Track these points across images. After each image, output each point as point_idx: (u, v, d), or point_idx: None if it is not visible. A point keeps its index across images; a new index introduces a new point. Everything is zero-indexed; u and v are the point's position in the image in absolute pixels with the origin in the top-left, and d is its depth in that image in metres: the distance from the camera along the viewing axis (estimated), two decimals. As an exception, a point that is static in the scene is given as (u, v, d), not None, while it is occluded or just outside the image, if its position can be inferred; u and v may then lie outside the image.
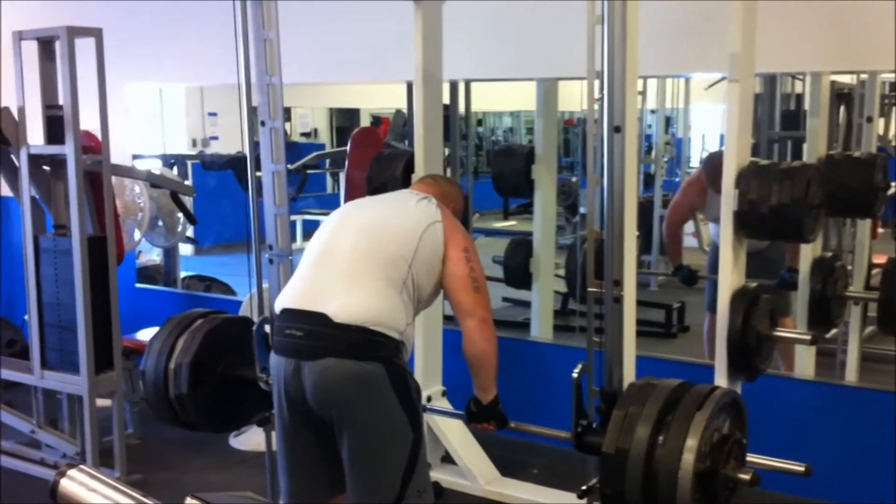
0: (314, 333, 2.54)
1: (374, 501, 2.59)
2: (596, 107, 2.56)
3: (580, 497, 2.58)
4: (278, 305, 2.68)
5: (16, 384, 4.41)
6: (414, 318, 2.67)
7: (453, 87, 4.93)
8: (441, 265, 2.69)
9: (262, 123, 3.07)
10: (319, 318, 2.53)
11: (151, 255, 6.38)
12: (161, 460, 4.36)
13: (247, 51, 3.02)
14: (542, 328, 5.01)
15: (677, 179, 7.34)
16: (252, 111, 3.11)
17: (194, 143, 7.31)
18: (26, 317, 4.22)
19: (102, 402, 4.07)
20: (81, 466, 1.20)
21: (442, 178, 3.29)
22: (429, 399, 3.72)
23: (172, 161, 6.51)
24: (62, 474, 1.20)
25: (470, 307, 2.66)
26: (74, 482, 1.19)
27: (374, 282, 2.58)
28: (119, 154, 4.63)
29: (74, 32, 3.84)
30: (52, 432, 4.26)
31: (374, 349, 2.52)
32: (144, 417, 4.51)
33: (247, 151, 3.18)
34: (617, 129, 2.51)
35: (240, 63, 3.03)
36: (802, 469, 2.66)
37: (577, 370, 2.57)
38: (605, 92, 2.51)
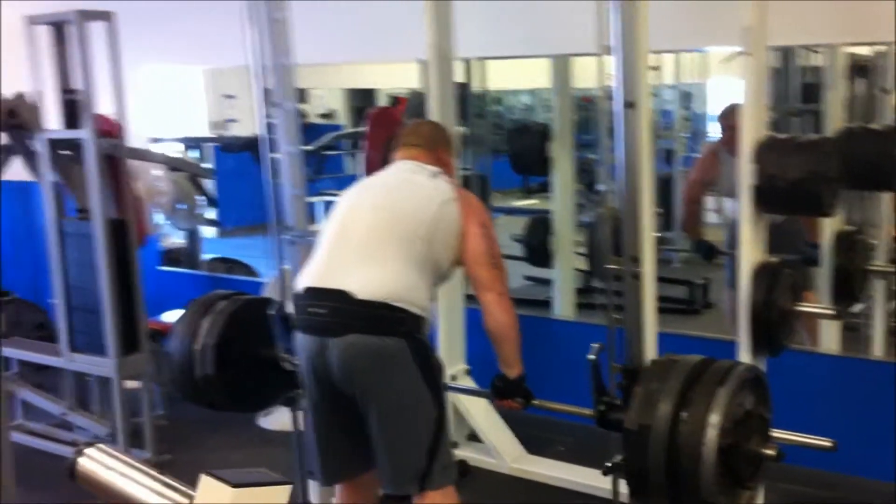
0: (337, 310, 2.56)
1: (401, 476, 2.62)
2: (610, 83, 2.54)
3: (605, 474, 2.58)
4: (299, 285, 2.71)
5: (45, 367, 4.46)
6: (433, 292, 2.69)
7: (468, 65, 4.90)
8: (458, 241, 2.70)
9: (276, 105, 3.07)
10: (341, 296, 2.55)
11: (175, 239, 6.41)
12: (190, 441, 4.40)
13: (258, 32, 3.01)
14: (563, 306, 4.99)
15: (696, 155, 7.26)
16: (266, 93, 3.11)
17: (214, 126, 7.31)
18: (52, 300, 4.25)
19: (132, 384, 4.10)
20: (99, 445, 1.21)
21: (423, 127, 3.10)
22: (453, 378, 3.73)
23: (191, 144, 6.52)
24: (80, 453, 1.21)
25: (488, 282, 2.68)
26: (92, 461, 1.21)
27: (393, 258, 2.60)
28: (135, 137, 4.65)
29: (86, 16, 3.86)
30: (82, 414, 4.32)
31: (397, 325, 2.55)
32: (173, 399, 4.54)
33: (262, 133, 3.18)
34: (630, 105, 2.49)
35: (253, 45, 3.03)
36: (829, 444, 2.64)
37: (592, 352, 2.55)
38: (617, 68, 2.48)
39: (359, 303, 2.54)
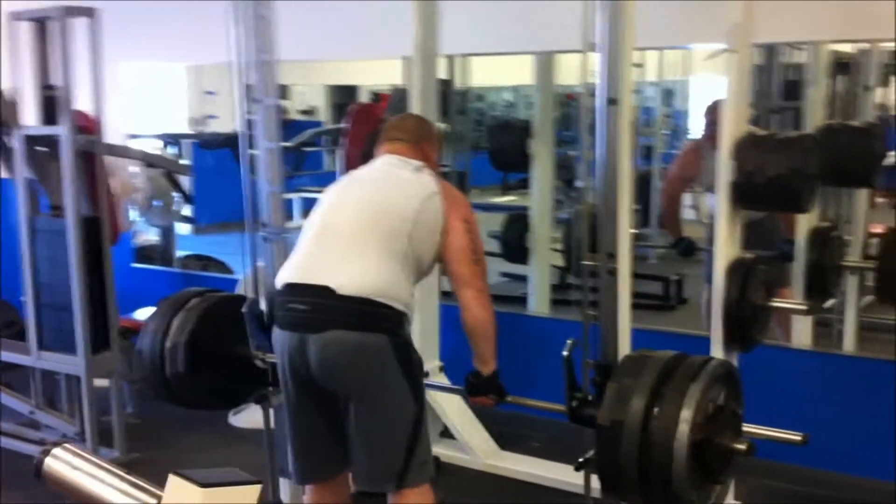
0: (318, 306, 2.54)
1: (378, 474, 2.61)
2: (593, 80, 2.54)
3: (577, 469, 2.58)
4: (280, 281, 2.69)
5: (14, 365, 4.41)
6: (414, 288, 2.68)
7: (451, 62, 4.90)
8: (440, 236, 2.68)
9: (257, 101, 3.06)
10: (323, 291, 2.53)
11: (149, 235, 6.38)
12: (160, 439, 4.37)
13: (242, 28, 3.00)
14: (539, 302, 5.01)
15: (676, 152, 7.28)
16: (247, 89, 3.09)
17: (194, 122, 7.27)
18: (23, 298, 4.21)
19: (101, 382, 4.07)
20: (66, 445, 1.20)
21: (408, 122, 3.05)
22: (426, 375, 3.72)
23: (170, 140, 6.49)
24: (47, 453, 1.20)
25: (468, 278, 2.67)
26: (59, 461, 1.20)
27: (376, 254, 2.59)
28: (114, 134, 4.61)
29: (69, 13, 3.82)
30: (51, 413, 4.28)
31: (379, 321, 2.54)
32: (144, 396, 4.52)
33: (242, 130, 3.16)
34: (612, 102, 2.49)
35: (237, 41, 3.01)
36: (799, 438, 2.65)
37: (566, 348, 2.56)
38: (601, 65, 2.49)
39: (341, 298, 2.52)
